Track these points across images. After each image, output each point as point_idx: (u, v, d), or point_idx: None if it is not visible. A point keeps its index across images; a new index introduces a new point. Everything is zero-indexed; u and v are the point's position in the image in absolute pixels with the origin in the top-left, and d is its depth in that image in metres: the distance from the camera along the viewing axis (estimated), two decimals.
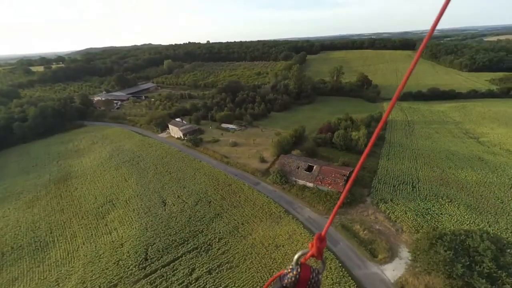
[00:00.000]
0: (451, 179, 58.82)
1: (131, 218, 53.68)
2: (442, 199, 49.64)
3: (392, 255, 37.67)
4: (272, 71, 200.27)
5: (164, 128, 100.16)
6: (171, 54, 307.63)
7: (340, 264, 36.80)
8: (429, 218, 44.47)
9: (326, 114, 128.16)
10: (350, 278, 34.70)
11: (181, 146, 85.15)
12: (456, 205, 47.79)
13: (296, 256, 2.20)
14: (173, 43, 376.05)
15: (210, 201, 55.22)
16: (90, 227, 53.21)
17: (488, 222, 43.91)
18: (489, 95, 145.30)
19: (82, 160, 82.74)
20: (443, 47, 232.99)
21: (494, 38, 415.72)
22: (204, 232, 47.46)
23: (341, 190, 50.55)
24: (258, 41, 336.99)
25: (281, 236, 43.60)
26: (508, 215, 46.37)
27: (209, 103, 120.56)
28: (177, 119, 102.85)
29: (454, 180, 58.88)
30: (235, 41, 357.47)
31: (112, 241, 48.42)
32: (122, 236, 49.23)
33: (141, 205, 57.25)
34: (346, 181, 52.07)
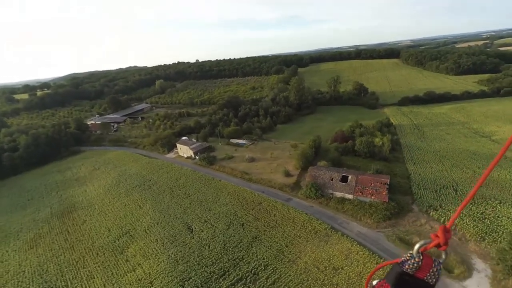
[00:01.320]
0: (489, 180, 57.04)
1: (156, 250, 47.58)
2: (491, 200, 47.25)
3: (468, 268, 34.04)
4: (268, 84, 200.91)
5: (171, 148, 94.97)
6: (162, 74, 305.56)
7: None
8: (488, 222, 41.63)
9: (330, 123, 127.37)
10: None
11: (193, 165, 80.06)
12: (508, 205, 45.44)
13: (417, 245, 2.20)
14: (162, 64, 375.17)
15: (243, 223, 50.21)
16: (108, 265, 46.51)
17: None
18: (482, 95, 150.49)
19: (85, 189, 75.65)
20: (427, 53, 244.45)
21: (465, 45, 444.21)
22: (245, 259, 42.19)
23: (385, 199, 47.23)
24: (248, 58, 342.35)
25: (336, 256, 39.14)
26: None
27: (213, 119, 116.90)
28: (184, 138, 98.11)
29: (490, 181, 57.13)
30: (224, 59, 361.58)
31: (139, 279, 42.09)
32: (149, 273, 43.00)
33: (164, 234, 51.29)
34: (388, 189, 49.02)
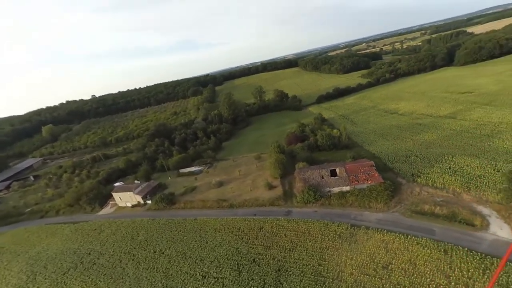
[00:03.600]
0: (425, 142, 68.12)
1: None
2: (446, 156, 55.50)
3: (481, 217, 37.05)
4: (192, 106, 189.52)
5: (104, 201, 72.45)
6: (48, 118, 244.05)
7: (461, 248, 32.68)
8: (461, 173, 48.00)
9: (271, 130, 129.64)
10: (483, 256, 31.00)
11: (148, 213, 62.58)
12: (460, 155, 54.35)
13: None
14: (44, 107, 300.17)
15: (254, 259, 40.50)
16: None
17: (489, 161, 51.46)
18: (369, 85, 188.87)
19: None
20: (319, 60, 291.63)
21: (334, 53, 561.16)
22: None
23: (381, 180, 48.11)
24: (157, 84, 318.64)
25: (376, 253, 35.64)
26: (481, 149, 56.35)
27: (148, 153, 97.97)
28: (119, 183, 76.82)
29: (427, 142, 68.57)
30: (129, 90, 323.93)
31: None
32: None
33: None
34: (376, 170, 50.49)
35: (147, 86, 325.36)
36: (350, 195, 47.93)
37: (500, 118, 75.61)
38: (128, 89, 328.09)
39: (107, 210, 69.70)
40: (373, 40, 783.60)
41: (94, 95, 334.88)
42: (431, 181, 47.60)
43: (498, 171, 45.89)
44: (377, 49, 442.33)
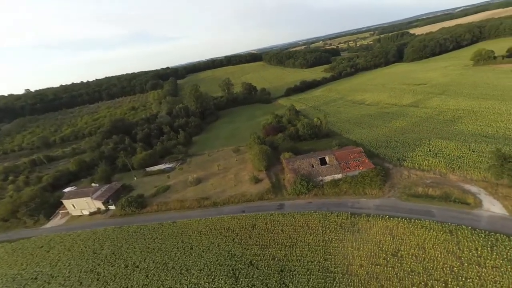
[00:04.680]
0: (399, 128, 70.68)
1: None
2: (424, 140, 57.55)
3: (473, 195, 37.93)
4: (155, 100, 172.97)
5: (52, 211, 59.50)
6: None
7: (465, 227, 32.53)
8: (441, 155, 49.68)
9: (244, 123, 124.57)
10: (486, 233, 31.16)
11: (112, 220, 52.65)
12: (436, 139, 56.78)
13: None
14: None
15: (251, 261, 35.58)
16: None
17: (462, 142, 54.57)
18: (332, 78, 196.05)
19: None
20: (283, 54, 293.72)
21: (294, 49, 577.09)
22: None
23: (372, 166, 47.14)
24: (110, 77, 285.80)
25: (383, 241, 33.77)
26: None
27: (106, 152, 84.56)
28: (70, 188, 63.97)
29: (400, 128, 71.29)
30: (74, 83, 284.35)
31: None
32: None
33: None
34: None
35: (96, 80, 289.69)
36: (343, 183, 45.98)
37: (455, 105, 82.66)
38: (73, 83, 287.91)
39: (56, 221, 57.21)
40: (329, 39, 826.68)
41: (28, 90, 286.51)
42: (417, 164, 48.33)
43: (474, 152, 48.58)
44: (334, 47, 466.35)
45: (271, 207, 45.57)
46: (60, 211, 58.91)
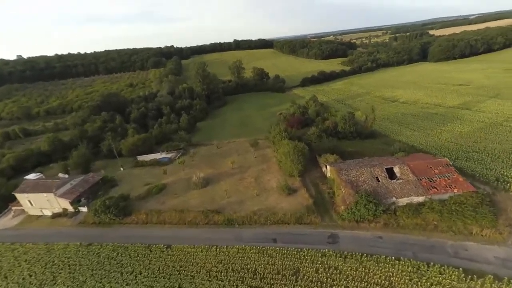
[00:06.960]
0: (464, 134, 54.85)
1: None
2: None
3: None
4: (156, 78, 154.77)
5: (3, 206, 43.52)
6: None
7: None
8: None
9: (255, 111, 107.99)
10: None
11: (79, 231, 36.92)
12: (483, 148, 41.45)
13: None
14: None
15: None
16: None
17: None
18: (352, 72, 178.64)
19: None
20: (296, 42, 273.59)
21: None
22: None
23: (472, 188, 31.65)
24: (110, 50, 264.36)
25: None
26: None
27: (91, 131, 68.05)
28: (32, 176, 47.62)
29: (466, 134, 55.53)
30: (70, 53, 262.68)
31: None
32: None
33: None
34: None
35: (94, 52, 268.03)
36: (430, 211, 30.46)
37: None
38: (69, 53, 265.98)
39: (5, 221, 41.43)
40: (340, 34, 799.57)
41: (20, 56, 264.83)
42: None
43: None
44: (346, 42, 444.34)
45: (318, 238, 30.08)
46: (13, 207, 43.01)
